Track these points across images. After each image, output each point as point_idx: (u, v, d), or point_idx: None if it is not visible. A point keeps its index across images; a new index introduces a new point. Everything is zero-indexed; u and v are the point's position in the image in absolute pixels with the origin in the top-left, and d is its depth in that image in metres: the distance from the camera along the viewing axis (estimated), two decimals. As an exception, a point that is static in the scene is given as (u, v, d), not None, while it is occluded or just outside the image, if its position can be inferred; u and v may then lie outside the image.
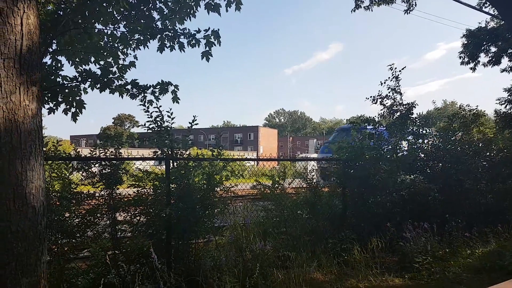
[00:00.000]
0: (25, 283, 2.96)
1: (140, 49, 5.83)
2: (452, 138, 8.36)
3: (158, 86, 5.65)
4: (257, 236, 5.95)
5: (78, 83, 5.35)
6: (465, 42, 20.68)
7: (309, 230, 6.66)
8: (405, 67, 8.48)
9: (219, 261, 5.11)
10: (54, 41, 4.97)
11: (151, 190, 5.27)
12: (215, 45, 5.82)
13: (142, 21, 5.24)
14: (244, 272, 4.87)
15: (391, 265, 6.17)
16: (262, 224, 6.63)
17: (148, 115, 5.39)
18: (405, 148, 8.30)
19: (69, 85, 5.33)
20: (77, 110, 5.57)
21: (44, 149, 3.64)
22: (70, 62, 5.50)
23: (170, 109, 5.35)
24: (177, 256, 5.18)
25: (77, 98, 5.43)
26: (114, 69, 5.57)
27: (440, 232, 6.58)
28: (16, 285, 2.90)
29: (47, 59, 5.29)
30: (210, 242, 5.93)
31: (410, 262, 6.04)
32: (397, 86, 8.50)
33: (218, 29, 5.81)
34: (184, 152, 5.53)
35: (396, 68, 8.43)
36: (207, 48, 5.81)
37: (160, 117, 5.38)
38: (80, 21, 4.89)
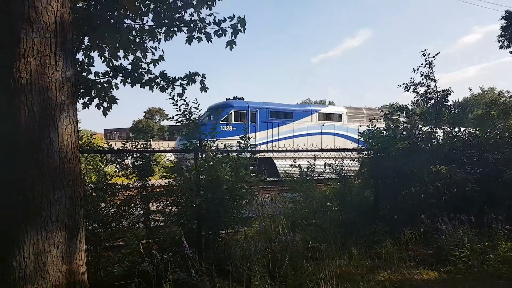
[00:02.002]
0: (65, 270, 3.12)
1: (168, 40, 5.84)
2: (491, 126, 8.00)
3: (186, 78, 5.71)
4: (286, 227, 5.96)
5: (109, 78, 5.50)
6: (504, 24, 19.66)
7: (339, 222, 6.59)
8: (439, 52, 8.17)
9: (248, 251, 5.16)
10: (86, 37, 5.12)
11: (181, 181, 5.39)
12: (241, 32, 5.80)
13: (169, 13, 5.28)
14: (273, 263, 4.90)
15: (426, 258, 6.01)
16: (290, 216, 6.63)
17: (176, 108, 5.50)
18: (440, 137, 8.04)
19: (101, 80, 5.50)
20: (109, 104, 5.73)
21: (79, 142, 3.78)
22: (102, 58, 5.65)
23: (196, 100, 5.39)
24: (207, 246, 5.28)
25: (109, 93, 5.59)
26: (144, 64, 5.69)
27: (478, 224, 6.33)
28: (57, 272, 3.05)
29: (80, 56, 5.46)
30: (239, 232, 5.99)
31: (446, 255, 5.85)
32: (430, 73, 8.19)
33: (244, 16, 5.76)
34: (212, 143, 5.60)
35: (429, 54, 8.14)
36: (233, 37, 5.79)
37: (188, 110, 5.47)
38: (109, 17, 5.00)
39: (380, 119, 8.19)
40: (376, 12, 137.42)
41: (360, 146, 8.83)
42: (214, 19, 5.68)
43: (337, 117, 21.23)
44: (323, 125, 20.45)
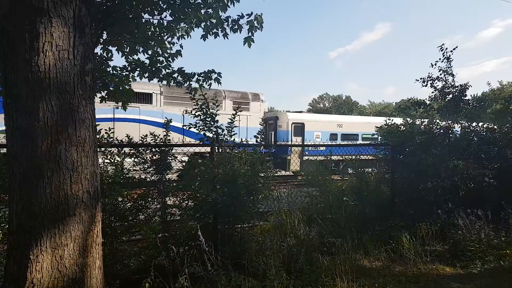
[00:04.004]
0: (82, 263, 3.15)
1: (184, 38, 5.89)
2: (509, 121, 7.84)
3: (203, 74, 5.73)
4: (302, 222, 5.95)
5: (128, 73, 5.54)
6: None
7: (355, 217, 6.56)
8: (456, 47, 8.03)
9: (264, 246, 5.18)
10: (104, 32, 5.15)
11: (198, 175, 5.41)
12: (258, 29, 5.78)
13: (187, 9, 5.29)
14: (289, 257, 4.90)
15: (442, 254, 5.96)
16: (306, 210, 6.61)
17: (194, 102, 5.52)
18: (458, 132, 7.92)
19: (119, 74, 5.53)
20: (127, 98, 5.77)
21: (97, 136, 3.81)
22: (120, 52, 5.68)
23: (215, 96, 5.42)
24: (223, 240, 5.30)
25: (127, 87, 5.63)
26: (162, 58, 5.70)
27: (495, 220, 6.25)
28: (74, 265, 3.09)
29: (98, 50, 5.50)
30: (255, 226, 6.00)
31: (462, 250, 5.81)
32: (448, 67, 8.06)
33: (261, 14, 5.75)
34: (228, 138, 5.61)
35: (447, 48, 8.00)
36: (250, 34, 5.78)
37: (206, 105, 5.50)
38: (128, 12, 5.03)
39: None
40: (393, 6, 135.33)
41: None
42: (231, 19, 5.68)
43: (145, 98, 16.45)
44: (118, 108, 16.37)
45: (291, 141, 19.85)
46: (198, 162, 5.51)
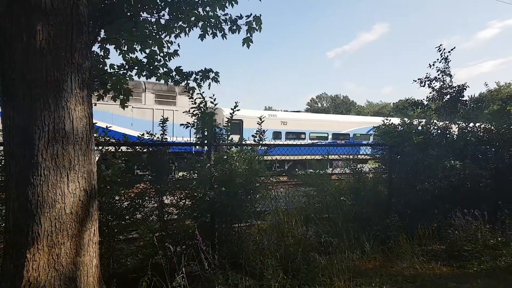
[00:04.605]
0: (78, 262, 3.14)
1: (180, 37, 5.88)
2: (506, 122, 7.87)
3: (200, 73, 5.74)
4: (299, 221, 5.95)
5: (125, 71, 5.54)
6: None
7: (353, 217, 6.57)
8: (454, 47, 8.05)
9: (261, 245, 5.17)
10: (102, 30, 5.15)
11: (195, 174, 5.40)
12: (256, 30, 5.79)
13: (184, 8, 5.29)
14: (286, 257, 4.90)
15: (438, 253, 5.98)
16: (304, 210, 6.62)
17: (192, 101, 5.52)
18: (455, 132, 7.94)
19: (116, 73, 5.53)
20: (125, 97, 5.78)
21: (94, 135, 3.80)
22: (118, 50, 5.68)
23: (213, 95, 5.43)
24: (220, 239, 5.29)
25: (125, 86, 5.63)
26: (159, 57, 5.71)
27: (491, 220, 6.28)
28: (70, 264, 3.08)
29: (96, 48, 5.50)
30: (253, 226, 6.00)
31: (459, 250, 5.83)
32: (446, 68, 8.10)
33: (260, 15, 5.76)
34: (226, 137, 5.61)
35: (445, 49, 8.02)
36: (248, 35, 5.78)
37: (204, 104, 5.50)
38: (126, 10, 5.02)
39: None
40: (391, 6, 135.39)
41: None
42: (230, 16, 5.68)
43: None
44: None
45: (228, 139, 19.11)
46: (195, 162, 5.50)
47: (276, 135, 20.50)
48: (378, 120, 25.85)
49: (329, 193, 6.73)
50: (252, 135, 5.82)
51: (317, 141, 20.17)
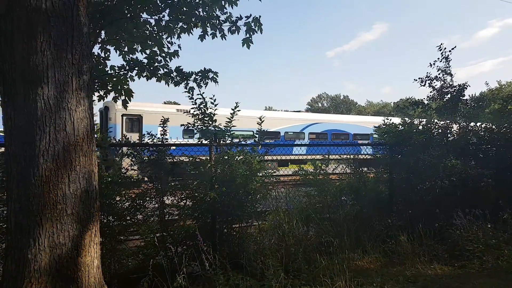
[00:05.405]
0: (80, 263, 3.14)
1: (181, 37, 5.90)
2: (507, 121, 7.86)
3: (200, 74, 5.75)
4: (300, 221, 5.95)
5: (126, 72, 5.55)
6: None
7: (353, 217, 6.56)
8: (455, 47, 8.03)
9: (262, 245, 5.18)
10: (102, 31, 5.16)
11: (196, 175, 5.41)
12: (256, 32, 5.79)
13: (185, 9, 5.31)
14: (287, 257, 4.90)
15: (440, 253, 5.95)
16: (304, 210, 6.61)
17: (192, 102, 5.52)
18: (456, 132, 7.93)
19: (117, 73, 5.55)
20: (126, 98, 5.79)
21: (95, 135, 3.81)
22: (118, 51, 5.70)
23: (213, 96, 5.43)
24: (221, 239, 5.30)
25: (125, 86, 5.64)
26: (160, 57, 5.72)
27: (493, 219, 6.27)
28: (72, 265, 3.09)
29: (96, 49, 5.52)
30: (253, 226, 6.00)
31: (460, 250, 5.81)
32: (447, 67, 8.07)
33: (260, 16, 5.76)
34: (226, 138, 5.61)
35: (445, 48, 8.01)
36: (248, 35, 5.78)
37: (204, 104, 5.49)
38: (126, 11, 5.04)
39: None
40: (391, 6, 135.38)
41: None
42: (229, 18, 5.68)
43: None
44: None
45: (122, 138, 17.25)
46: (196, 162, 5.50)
47: (188, 133, 18.06)
48: (312, 117, 25.20)
49: (330, 193, 6.72)
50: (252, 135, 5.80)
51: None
